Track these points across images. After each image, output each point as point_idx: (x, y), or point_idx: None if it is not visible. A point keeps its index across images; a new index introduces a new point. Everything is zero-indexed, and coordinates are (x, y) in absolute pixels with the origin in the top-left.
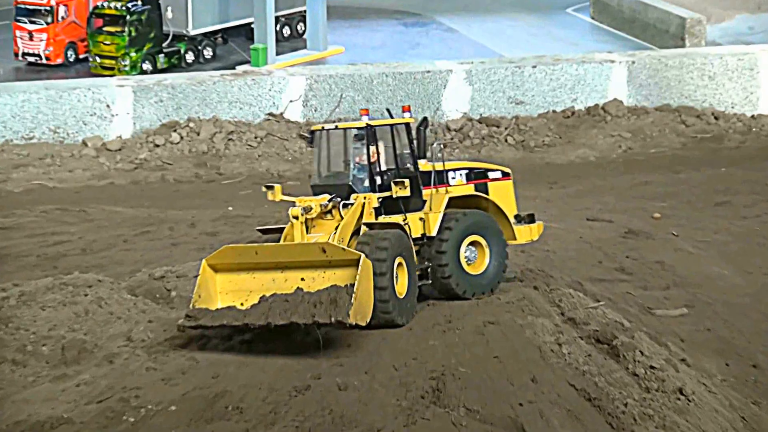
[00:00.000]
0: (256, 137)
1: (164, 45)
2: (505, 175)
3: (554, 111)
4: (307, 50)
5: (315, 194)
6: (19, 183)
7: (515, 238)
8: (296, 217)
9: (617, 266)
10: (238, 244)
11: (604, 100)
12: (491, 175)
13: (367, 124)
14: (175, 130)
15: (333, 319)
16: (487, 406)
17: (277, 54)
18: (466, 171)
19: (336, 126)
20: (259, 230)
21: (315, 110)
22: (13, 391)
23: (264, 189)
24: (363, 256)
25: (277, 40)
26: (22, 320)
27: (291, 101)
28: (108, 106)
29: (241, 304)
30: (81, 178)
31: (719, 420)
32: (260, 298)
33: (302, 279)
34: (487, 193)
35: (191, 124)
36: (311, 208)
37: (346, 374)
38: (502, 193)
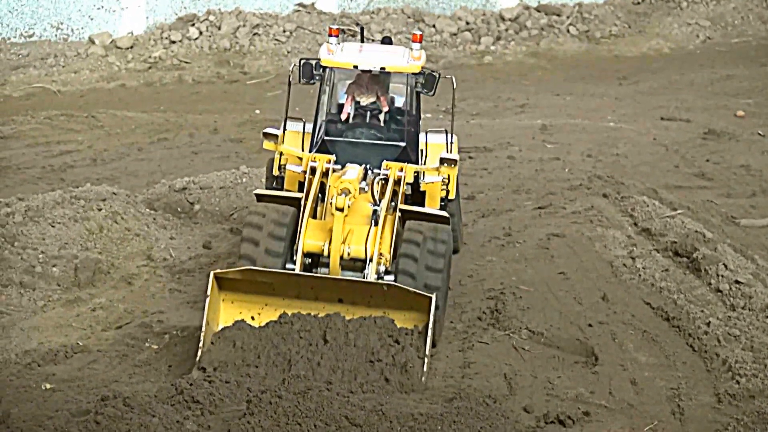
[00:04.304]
0: (284, 31)
1: None
2: None
3: None
4: None
5: (328, 151)
6: (18, 86)
7: None
8: (341, 210)
9: (697, 171)
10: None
11: None
12: None
13: (430, 71)
14: (193, 24)
15: (404, 390)
16: (552, 328)
17: None
18: None
19: (382, 68)
20: (259, 195)
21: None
22: (21, 317)
23: (262, 137)
24: (434, 296)
25: None
26: (30, 238)
27: None
28: None
29: (252, 318)
30: (88, 80)
31: None
32: (281, 316)
33: (340, 300)
34: None
35: (211, 17)
36: (349, 192)
37: None
38: None
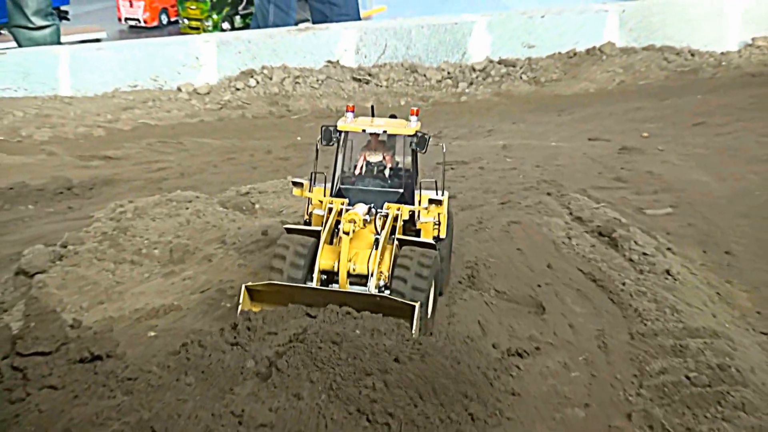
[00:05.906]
0: (317, 80)
1: (240, 8)
2: None
3: (560, 52)
4: None
5: (343, 196)
6: (127, 122)
7: None
8: (348, 233)
9: (615, 176)
10: (283, 283)
11: (601, 42)
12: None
13: (423, 133)
14: (251, 76)
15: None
16: (512, 289)
17: None
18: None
19: (385, 131)
20: (288, 229)
21: (365, 57)
22: (132, 285)
23: (291, 185)
24: (418, 305)
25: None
26: (137, 229)
27: (345, 50)
28: (197, 58)
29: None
30: (177, 117)
31: (700, 295)
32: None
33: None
34: None
35: (265, 71)
36: (355, 221)
37: None
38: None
